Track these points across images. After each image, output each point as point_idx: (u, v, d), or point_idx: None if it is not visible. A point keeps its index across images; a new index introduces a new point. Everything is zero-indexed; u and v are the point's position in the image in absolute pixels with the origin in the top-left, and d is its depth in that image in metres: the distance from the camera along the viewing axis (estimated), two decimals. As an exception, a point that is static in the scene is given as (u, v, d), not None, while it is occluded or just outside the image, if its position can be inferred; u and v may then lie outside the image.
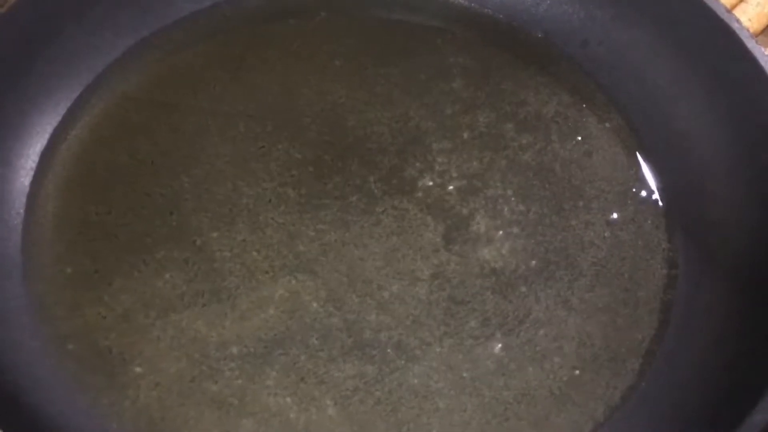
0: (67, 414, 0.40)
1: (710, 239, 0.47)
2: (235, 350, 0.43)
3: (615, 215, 0.49)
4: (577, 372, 0.44)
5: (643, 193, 0.50)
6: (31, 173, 0.48)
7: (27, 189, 0.47)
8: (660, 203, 0.49)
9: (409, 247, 0.47)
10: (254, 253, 0.46)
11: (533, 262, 0.47)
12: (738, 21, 0.48)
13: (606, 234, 0.48)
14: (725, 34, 0.48)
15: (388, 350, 0.44)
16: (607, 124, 0.52)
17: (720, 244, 0.47)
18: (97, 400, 0.41)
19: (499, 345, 0.44)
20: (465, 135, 0.51)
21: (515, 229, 0.48)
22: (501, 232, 0.47)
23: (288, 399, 0.42)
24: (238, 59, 0.53)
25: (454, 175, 0.49)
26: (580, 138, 0.52)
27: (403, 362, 0.43)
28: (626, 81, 0.53)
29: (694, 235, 0.48)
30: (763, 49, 0.47)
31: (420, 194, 0.49)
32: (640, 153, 0.51)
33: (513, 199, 0.49)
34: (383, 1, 0.56)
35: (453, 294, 0.45)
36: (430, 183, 0.49)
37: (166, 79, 0.52)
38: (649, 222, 0.49)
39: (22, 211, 0.46)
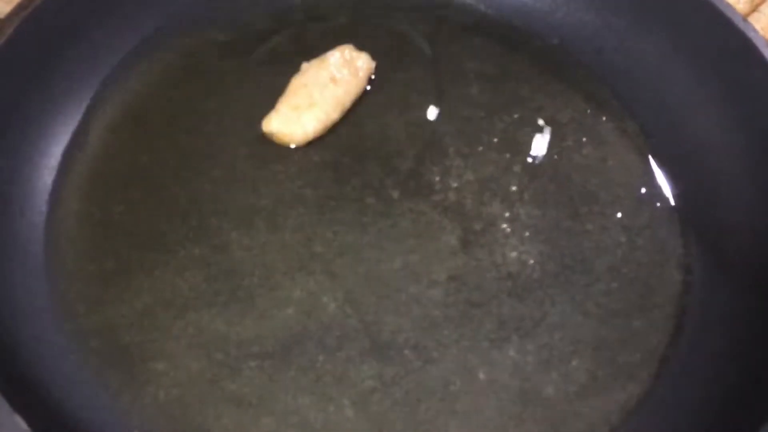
0: (88, 409, 0.41)
1: (725, 245, 0.47)
2: (253, 349, 0.43)
3: (630, 220, 0.49)
4: (593, 376, 0.44)
5: (658, 199, 0.50)
6: (54, 172, 0.48)
7: (50, 187, 0.48)
8: (675, 209, 0.50)
9: (426, 249, 0.47)
10: (273, 254, 0.47)
11: (549, 266, 0.47)
12: (754, 29, 0.48)
13: (621, 239, 0.48)
14: (741, 42, 0.48)
15: (406, 351, 0.44)
16: (622, 130, 0.53)
17: (735, 249, 0.47)
18: (118, 397, 0.42)
19: (515, 348, 0.44)
20: (482, 140, 0.51)
21: (531, 233, 0.48)
22: (517, 236, 0.48)
23: (306, 398, 0.42)
24: (258, 62, 0.54)
25: (471, 178, 0.50)
26: (595, 144, 0.52)
27: (420, 363, 0.44)
28: (641, 88, 0.54)
29: (709, 240, 0.48)
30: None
31: (437, 197, 0.49)
32: (654, 159, 0.51)
33: (529, 203, 0.49)
34: (403, 8, 0.56)
35: (469, 297, 0.46)
36: (447, 186, 0.49)
37: (187, 81, 0.53)
38: (664, 227, 0.49)
39: (45, 209, 0.47)
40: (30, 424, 0.36)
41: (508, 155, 0.51)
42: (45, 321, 0.43)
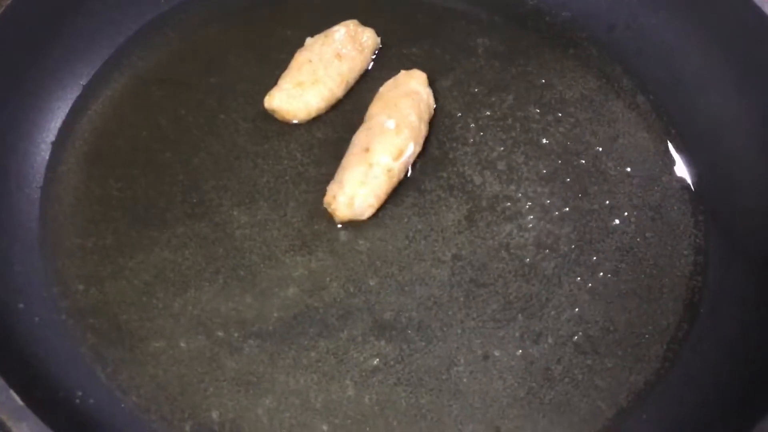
0: (87, 387, 0.40)
1: (739, 225, 0.46)
2: (254, 328, 0.43)
3: (640, 200, 0.48)
4: (601, 357, 0.43)
5: (670, 179, 0.49)
6: (52, 147, 0.48)
7: (48, 163, 0.47)
8: (687, 188, 0.48)
9: (431, 228, 0.46)
10: (274, 232, 0.46)
11: (557, 245, 0.46)
12: (771, 5, 0.47)
13: (632, 219, 0.47)
14: (757, 19, 0.47)
15: (409, 331, 0.43)
16: (634, 109, 0.51)
17: (748, 230, 0.46)
18: (116, 374, 0.41)
19: (521, 328, 0.43)
20: (489, 116, 0.50)
21: (539, 212, 0.47)
22: (524, 215, 0.47)
23: (307, 378, 0.42)
24: (259, 38, 0.53)
25: (478, 156, 0.49)
26: (606, 122, 0.51)
27: (423, 344, 0.43)
28: (654, 65, 0.52)
29: (723, 221, 0.47)
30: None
31: (442, 174, 0.48)
32: (667, 138, 0.50)
33: (537, 181, 0.48)
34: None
35: (475, 276, 0.45)
36: (453, 163, 0.48)
37: (187, 56, 0.52)
38: (676, 208, 0.48)
39: (42, 185, 0.46)
40: (25, 400, 0.35)
41: (515, 132, 0.50)
42: (42, 297, 0.43)
